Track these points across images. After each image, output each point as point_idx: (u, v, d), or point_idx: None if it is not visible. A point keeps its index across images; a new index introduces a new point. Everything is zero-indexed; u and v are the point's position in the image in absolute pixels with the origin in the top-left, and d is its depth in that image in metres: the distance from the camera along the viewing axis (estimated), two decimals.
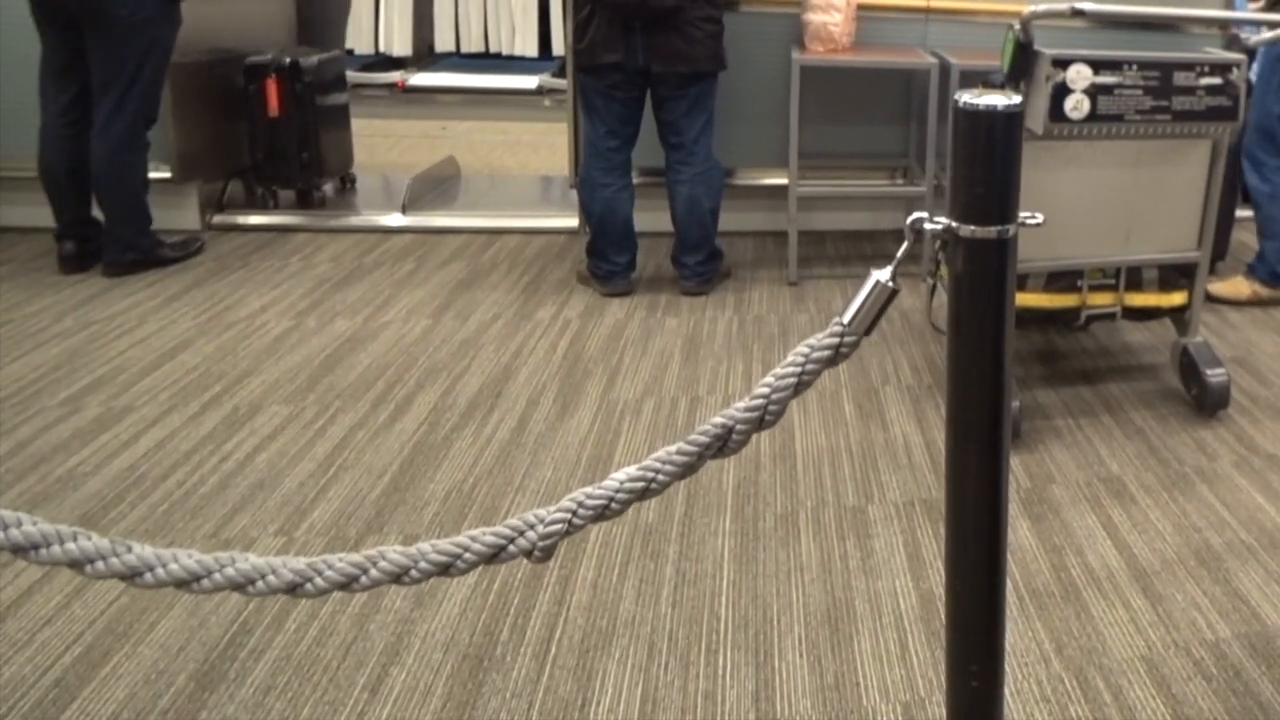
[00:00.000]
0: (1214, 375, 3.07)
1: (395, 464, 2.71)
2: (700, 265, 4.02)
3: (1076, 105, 2.68)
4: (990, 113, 1.23)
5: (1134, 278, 3.04)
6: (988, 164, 1.24)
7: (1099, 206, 2.90)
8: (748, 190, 4.63)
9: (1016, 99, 1.22)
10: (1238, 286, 4.06)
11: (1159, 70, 2.75)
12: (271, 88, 4.57)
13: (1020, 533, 2.50)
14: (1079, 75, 2.67)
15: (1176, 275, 3.08)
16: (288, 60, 4.61)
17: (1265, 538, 2.51)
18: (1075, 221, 2.89)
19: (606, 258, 3.94)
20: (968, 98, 1.22)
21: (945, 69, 4.14)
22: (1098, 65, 2.69)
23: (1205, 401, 3.09)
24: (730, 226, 4.48)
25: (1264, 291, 4.02)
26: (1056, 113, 2.70)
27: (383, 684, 1.94)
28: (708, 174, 3.95)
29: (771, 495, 2.63)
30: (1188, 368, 3.16)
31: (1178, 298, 3.08)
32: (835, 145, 4.60)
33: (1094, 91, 2.70)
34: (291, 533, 2.40)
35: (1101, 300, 3.03)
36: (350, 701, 1.90)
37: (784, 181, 4.23)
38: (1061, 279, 2.99)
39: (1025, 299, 2.97)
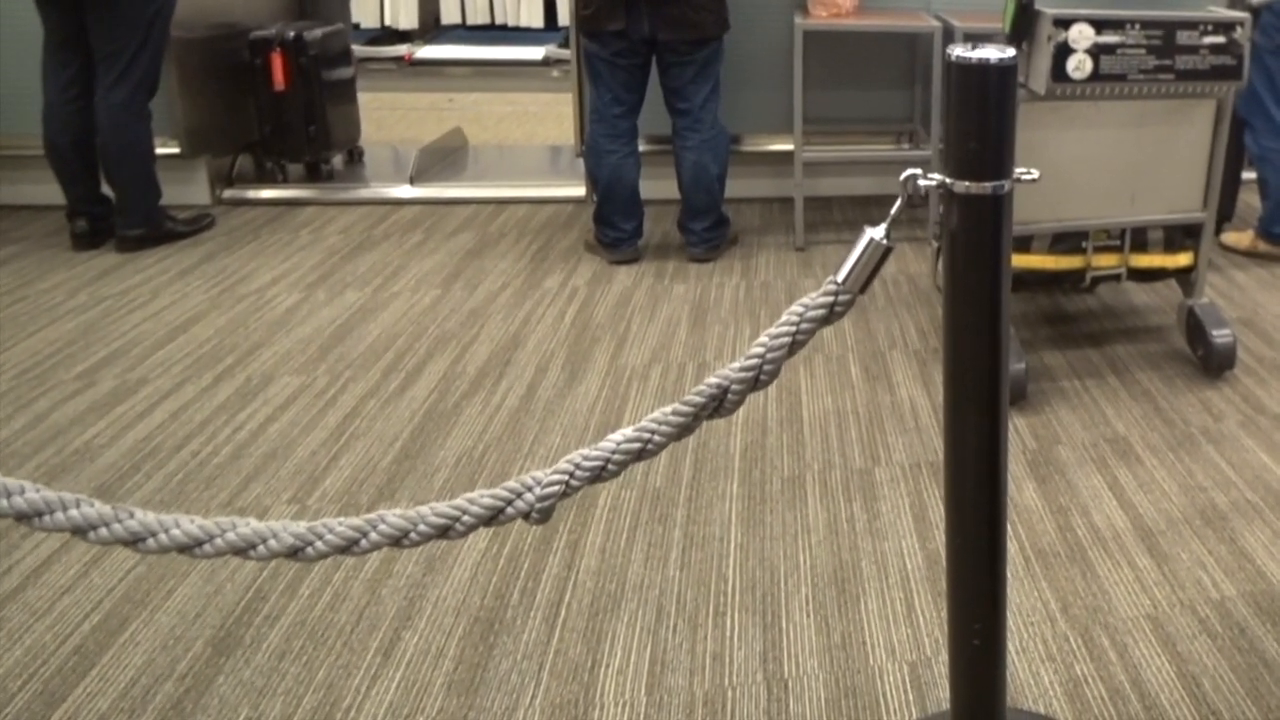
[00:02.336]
0: (1220, 336, 3.07)
1: (406, 432, 2.73)
2: (707, 232, 4.02)
3: (1079, 65, 2.66)
4: (984, 67, 1.23)
5: (1139, 239, 3.03)
6: (982, 119, 1.25)
7: (1103, 167, 2.89)
8: (753, 156, 4.62)
9: (1010, 52, 1.22)
10: (1242, 237, 4.13)
11: (1162, 29, 2.72)
12: (277, 61, 4.57)
13: (1026, 493, 2.51)
14: (1081, 35, 2.65)
15: (1181, 236, 3.07)
16: (292, 34, 4.61)
17: (1271, 497, 2.51)
18: (1079, 182, 2.88)
19: (613, 224, 3.95)
20: (960, 52, 1.22)
21: (949, 32, 4.11)
22: (1100, 24, 2.67)
23: (1211, 362, 3.09)
24: (736, 193, 4.48)
25: (1263, 245, 4.06)
26: (1059, 73, 2.68)
27: (395, 647, 1.97)
28: (714, 140, 3.94)
29: (778, 458, 2.65)
30: (1194, 329, 3.15)
31: (1183, 259, 3.07)
32: (840, 110, 4.59)
33: (1096, 51, 2.67)
34: (304, 500, 2.43)
35: (1106, 261, 3.02)
36: (364, 665, 1.93)
37: (789, 147, 4.22)
38: (1066, 240, 2.98)
39: (1030, 260, 2.96)
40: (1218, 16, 2.80)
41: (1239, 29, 2.78)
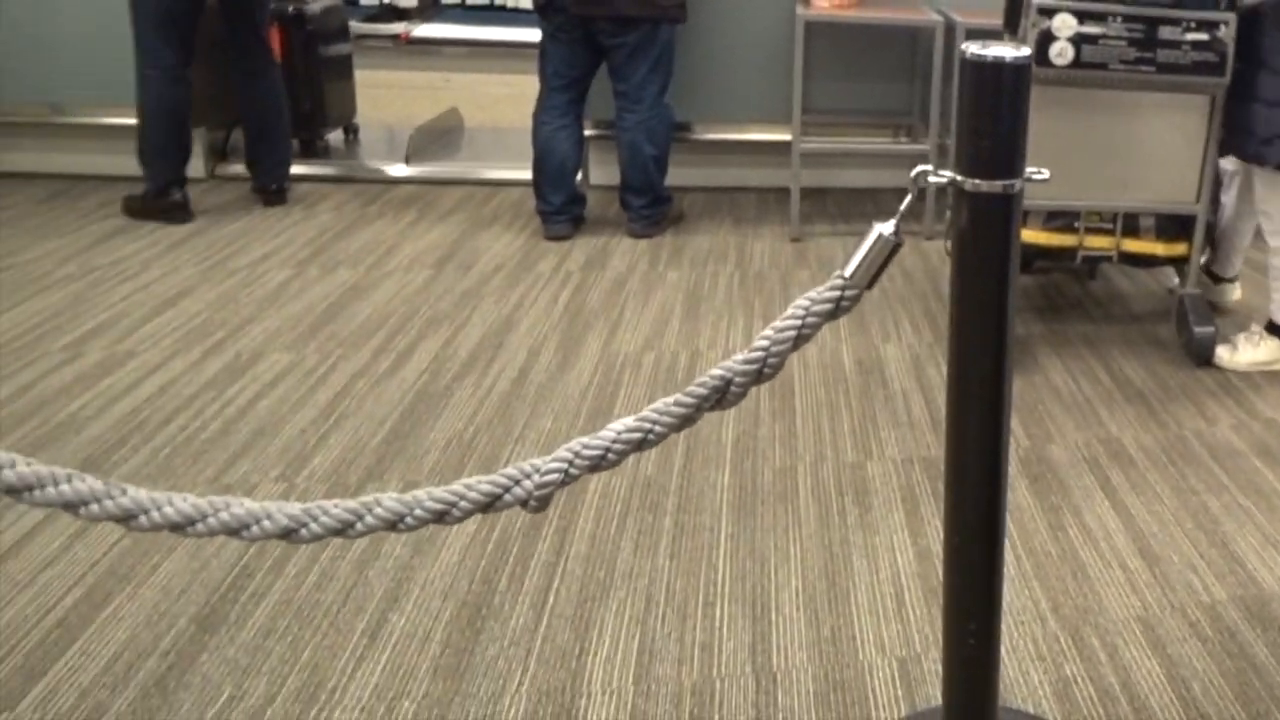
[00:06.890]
0: (1200, 328, 3.14)
1: (396, 412, 2.71)
2: (645, 209, 4.09)
3: (1061, 52, 2.80)
4: (998, 64, 1.21)
5: (1130, 224, 3.10)
6: (995, 116, 1.23)
7: (1098, 152, 2.96)
8: (751, 146, 4.60)
9: (1025, 50, 1.21)
10: None
11: (1144, 23, 2.81)
12: (274, 35, 4.52)
13: (1019, 492, 2.51)
14: (1064, 24, 2.77)
15: (1175, 226, 3.11)
16: (290, 9, 4.56)
17: (1263, 501, 2.51)
18: (1073, 164, 2.93)
19: (543, 197, 4.01)
20: (975, 49, 1.21)
21: (951, 27, 4.09)
22: (1083, 15, 2.78)
23: (1190, 350, 3.17)
24: (733, 182, 4.48)
25: None
26: (1041, 57, 2.79)
27: (382, 629, 1.95)
28: (650, 121, 3.99)
29: (771, 450, 2.63)
30: (1181, 317, 3.24)
31: (1179, 249, 3.14)
32: (839, 102, 4.55)
33: (1079, 40, 2.80)
34: (292, 479, 2.41)
35: (1098, 243, 3.10)
36: (349, 646, 1.91)
37: (787, 138, 4.20)
38: (1061, 217, 3.07)
39: (1024, 233, 3.02)
40: (1201, 14, 2.86)
41: (1223, 27, 2.84)
